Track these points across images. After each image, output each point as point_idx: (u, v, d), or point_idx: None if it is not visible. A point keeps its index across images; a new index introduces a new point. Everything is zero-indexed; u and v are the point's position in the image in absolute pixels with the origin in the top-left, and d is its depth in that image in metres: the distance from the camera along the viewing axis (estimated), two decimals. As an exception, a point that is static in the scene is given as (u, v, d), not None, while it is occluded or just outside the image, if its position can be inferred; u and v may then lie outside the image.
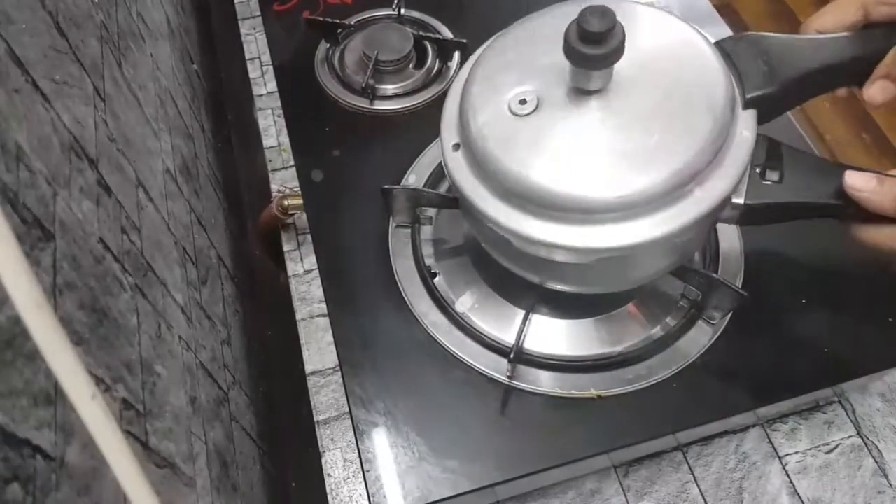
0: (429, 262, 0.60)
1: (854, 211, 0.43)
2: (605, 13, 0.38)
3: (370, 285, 0.59)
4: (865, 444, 0.59)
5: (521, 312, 0.55)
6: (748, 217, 0.45)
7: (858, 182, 0.42)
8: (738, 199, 0.44)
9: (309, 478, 0.61)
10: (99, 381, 0.36)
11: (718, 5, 0.82)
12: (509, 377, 0.53)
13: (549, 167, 0.41)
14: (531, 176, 0.41)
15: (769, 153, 0.45)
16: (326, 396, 0.62)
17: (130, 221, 0.48)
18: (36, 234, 0.33)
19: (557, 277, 0.50)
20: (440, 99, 0.73)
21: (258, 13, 0.89)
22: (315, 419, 0.61)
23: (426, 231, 0.62)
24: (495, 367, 0.54)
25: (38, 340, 0.22)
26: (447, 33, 0.79)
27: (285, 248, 0.72)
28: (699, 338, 0.55)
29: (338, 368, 0.62)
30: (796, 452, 0.58)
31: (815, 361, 0.54)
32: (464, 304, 0.58)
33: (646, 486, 0.57)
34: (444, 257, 0.61)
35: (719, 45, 0.46)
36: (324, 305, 0.64)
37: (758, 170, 0.44)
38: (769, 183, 0.44)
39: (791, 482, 0.57)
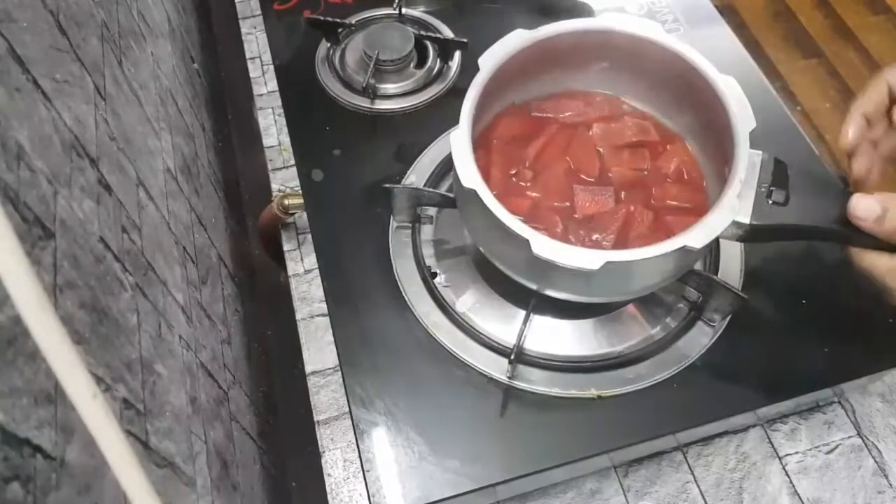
0: (429, 261, 0.60)
1: (855, 238, 0.43)
2: None
3: (370, 285, 0.59)
4: (865, 444, 0.59)
5: (522, 312, 0.55)
6: (751, 236, 0.46)
7: (861, 210, 0.42)
8: (744, 220, 0.44)
9: (309, 478, 0.61)
10: (99, 381, 0.36)
11: (719, 5, 0.82)
12: (510, 377, 0.53)
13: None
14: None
15: (776, 174, 0.45)
16: (326, 396, 0.62)
17: (131, 220, 0.48)
18: (36, 233, 0.33)
19: (554, 285, 0.50)
20: (441, 98, 0.73)
21: (259, 12, 0.89)
22: (315, 419, 0.61)
23: (427, 231, 0.62)
24: (496, 367, 0.54)
25: (39, 339, 0.22)
26: (448, 33, 0.79)
27: (285, 247, 0.72)
28: (699, 338, 0.55)
29: (338, 368, 0.62)
30: (796, 452, 0.58)
31: (815, 361, 0.54)
32: (464, 303, 0.57)
33: (646, 486, 0.57)
34: (445, 257, 0.61)
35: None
36: (324, 305, 0.64)
37: (764, 190, 0.45)
38: (774, 205, 0.45)
39: (791, 482, 0.57)
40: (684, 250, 0.42)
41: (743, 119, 0.46)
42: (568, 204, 0.53)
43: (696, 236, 0.42)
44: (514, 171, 0.54)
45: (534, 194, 0.53)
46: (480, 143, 0.56)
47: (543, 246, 0.43)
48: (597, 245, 0.50)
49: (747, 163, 0.45)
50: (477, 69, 0.51)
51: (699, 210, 0.50)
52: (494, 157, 0.55)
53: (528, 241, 0.43)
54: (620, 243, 0.50)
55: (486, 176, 0.53)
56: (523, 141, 0.56)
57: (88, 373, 0.23)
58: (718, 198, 0.45)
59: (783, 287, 0.58)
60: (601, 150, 0.55)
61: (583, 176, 0.54)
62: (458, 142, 0.48)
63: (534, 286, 0.50)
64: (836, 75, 1.91)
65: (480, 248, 0.53)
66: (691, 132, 0.56)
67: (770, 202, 0.44)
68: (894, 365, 0.55)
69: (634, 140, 0.55)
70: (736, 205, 0.43)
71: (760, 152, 0.46)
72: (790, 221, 0.44)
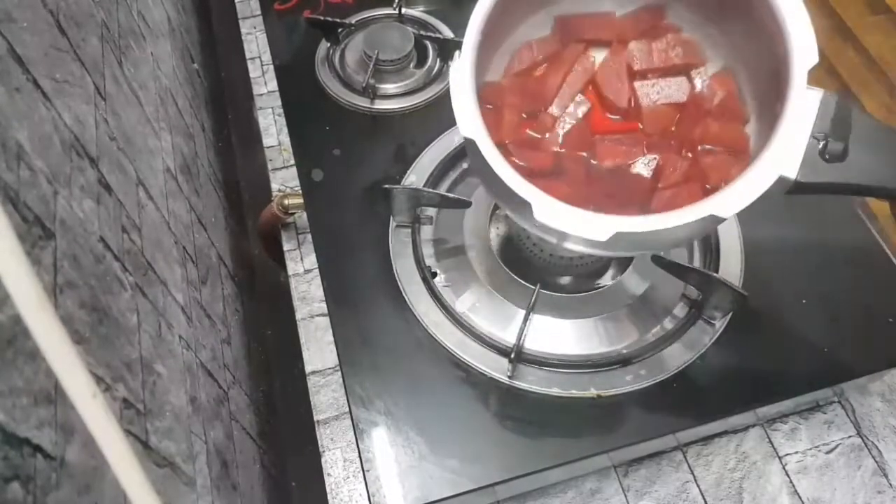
0: (429, 261, 0.60)
1: None
2: None
3: (370, 285, 0.59)
4: (865, 444, 0.59)
5: (522, 312, 0.55)
6: (795, 191, 0.38)
7: None
8: (790, 175, 0.36)
9: (309, 477, 0.61)
10: (99, 381, 0.36)
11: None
12: (510, 377, 0.53)
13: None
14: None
15: (836, 120, 0.37)
16: (326, 396, 0.62)
17: (131, 220, 0.48)
18: (37, 233, 0.33)
19: (574, 239, 0.42)
20: (441, 98, 0.73)
21: (259, 12, 0.89)
22: (315, 419, 0.61)
23: (426, 231, 0.62)
24: (496, 367, 0.54)
25: (39, 339, 0.22)
26: (448, 33, 0.79)
27: (285, 247, 0.72)
28: (699, 337, 0.55)
29: (338, 368, 0.62)
30: (796, 452, 0.58)
31: (815, 361, 0.54)
32: (464, 303, 0.57)
33: (646, 485, 0.57)
34: (445, 257, 0.61)
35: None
36: (324, 305, 0.64)
37: (819, 142, 0.37)
38: (829, 159, 0.37)
39: (791, 482, 0.57)
40: (711, 216, 0.36)
41: (802, 51, 0.37)
42: (590, 157, 0.45)
43: (727, 203, 0.35)
44: (531, 117, 0.46)
45: (553, 147, 0.46)
46: (489, 84, 0.47)
47: (547, 211, 0.37)
48: (623, 201, 0.43)
49: (800, 109, 0.36)
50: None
51: (741, 154, 0.42)
52: (508, 97, 0.46)
53: (529, 204, 0.37)
54: (649, 196, 0.44)
55: (498, 120, 0.45)
56: (543, 71, 0.47)
57: (88, 372, 0.23)
58: (761, 150, 0.37)
59: (783, 286, 0.58)
60: (632, 75, 0.46)
61: (608, 115, 0.47)
62: (457, 75, 0.39)
63: (553, 240, 0.44)
64: (836, 75, 1.90)
65: (494, 197, 0.47)
66: (740, 61, 0.46)
67: (825, 156, 0.37)
68: (894, 365, 0.55)
69: (678, 62, 0.46)
70: (781, 161, 0.36)
71: (821, 90, 0.37)
72: (843, 180, 0.37)
